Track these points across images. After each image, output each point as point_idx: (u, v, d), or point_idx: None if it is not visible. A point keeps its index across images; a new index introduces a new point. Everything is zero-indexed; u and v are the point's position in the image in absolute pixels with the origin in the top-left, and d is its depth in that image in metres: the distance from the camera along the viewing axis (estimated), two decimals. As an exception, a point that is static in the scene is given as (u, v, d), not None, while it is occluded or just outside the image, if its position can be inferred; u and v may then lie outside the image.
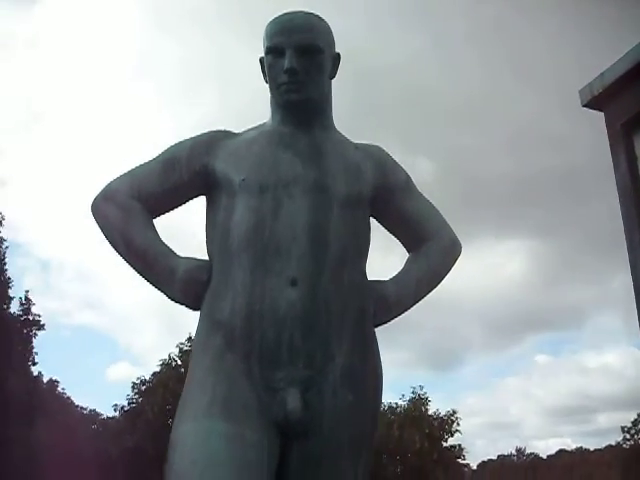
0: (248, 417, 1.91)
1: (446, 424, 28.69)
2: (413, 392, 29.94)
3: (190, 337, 25.24)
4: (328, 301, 2.03)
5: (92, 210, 2.30)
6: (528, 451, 64.56)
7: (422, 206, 2.44)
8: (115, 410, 31.95)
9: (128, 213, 2.23)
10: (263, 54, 2.32)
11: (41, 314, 25.29)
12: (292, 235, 2.06)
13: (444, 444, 29.09)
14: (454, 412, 29.03)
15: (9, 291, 24.23)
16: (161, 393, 27.22)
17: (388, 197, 2.35)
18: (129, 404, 29.82)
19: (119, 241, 2.23)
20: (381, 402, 2.20)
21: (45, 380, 34.06)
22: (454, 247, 2.47)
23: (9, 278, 24.48)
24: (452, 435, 28.98)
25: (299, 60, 2.20)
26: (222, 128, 2.42)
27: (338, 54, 2.37)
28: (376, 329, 2.24)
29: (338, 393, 2.00)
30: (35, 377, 26.86)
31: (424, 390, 29.81)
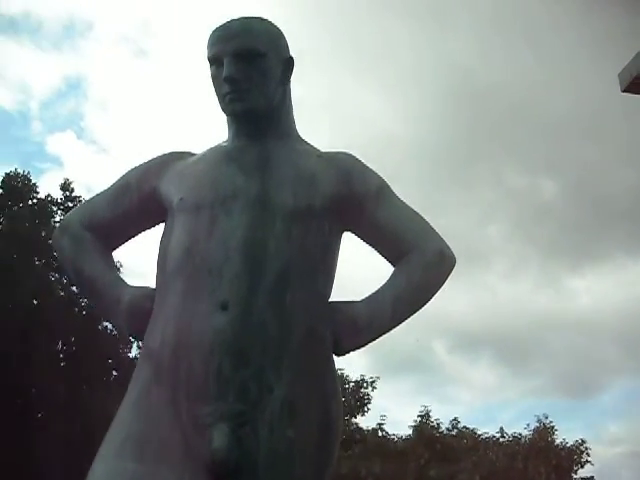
0: (166, 457, 1.72)
1: (575, 454, 26.86)
2: (538, 421, 28.28)
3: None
4: (264, 325, 1.82)
5: (53, 244, 2.27)
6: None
7: (397, 215, 2.17)
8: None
9: (79, 243, 2.19)
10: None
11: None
12: (225, 255, 1.88)
13: (574, 476, 27.26)
14: (583, 442, 27.06)
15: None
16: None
17: (357, 208, 2.12)
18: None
19: (71, 272, 2.21)
20: (336, 437, 1.92)
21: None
22: (441, 259, 2.18)
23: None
24: (582, 466, 27.06)
25: (239, 67, 2.05)
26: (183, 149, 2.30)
27: (290, 58, 2.19)
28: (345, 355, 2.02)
29: (275, 429, 1.76)
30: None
31: (550, 419, 28.03)
